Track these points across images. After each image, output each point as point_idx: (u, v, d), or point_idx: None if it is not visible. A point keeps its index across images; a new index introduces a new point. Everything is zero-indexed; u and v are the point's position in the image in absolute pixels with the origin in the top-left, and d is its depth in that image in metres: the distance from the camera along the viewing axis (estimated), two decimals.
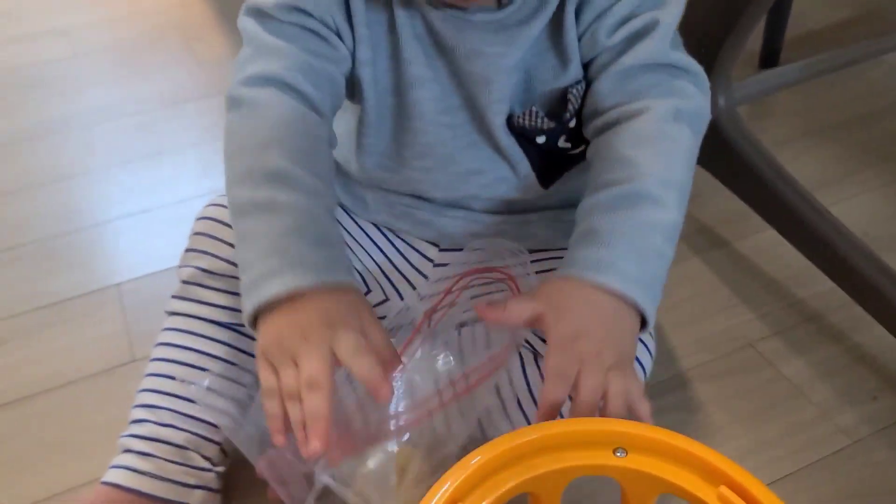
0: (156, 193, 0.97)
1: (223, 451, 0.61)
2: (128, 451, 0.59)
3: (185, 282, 0.62)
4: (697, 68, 0.56)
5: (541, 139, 0.58)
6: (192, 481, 0.59)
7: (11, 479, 0.66)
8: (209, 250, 0.61)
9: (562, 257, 0.56)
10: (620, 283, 0.48)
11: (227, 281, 0.60)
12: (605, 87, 0.55)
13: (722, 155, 0.81)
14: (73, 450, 0.68)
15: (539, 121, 0.57)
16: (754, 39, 1.15)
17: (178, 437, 0.59)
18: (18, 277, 0.86)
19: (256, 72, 0.53)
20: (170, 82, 1.18)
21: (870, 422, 0.68)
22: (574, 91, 0.56)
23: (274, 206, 0.49)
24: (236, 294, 0.57)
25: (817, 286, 0.78)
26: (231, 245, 0.60)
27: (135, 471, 0.58)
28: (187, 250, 0.62)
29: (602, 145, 0.55)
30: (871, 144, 1.00)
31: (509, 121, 0.57)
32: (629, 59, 0.54)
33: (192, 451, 0.59)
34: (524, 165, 0.60)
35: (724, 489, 0.41)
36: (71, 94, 1.16)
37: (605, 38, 0.54)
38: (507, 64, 0.55)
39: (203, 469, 0.59)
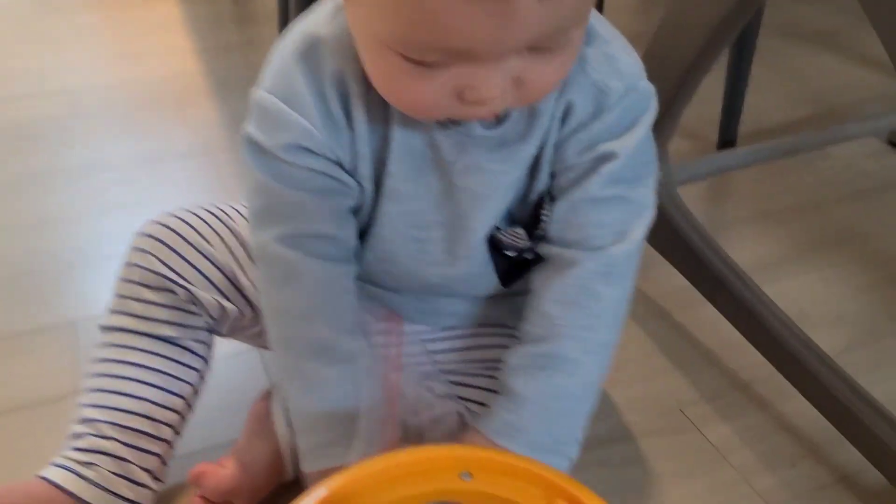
0: (127, 241, 1.01)
1: (163, 463, 0.64)
2: (69, 458, 0.61)
3: (120, 296, 0.65)
4: (648, 200, 0.57)
5: (511, 253, 0.60)
6: (129, 495, 0.61)
7: None
8: (144, 264, 0.64)
9: (504, 334, 0.62)
10: (529, 451, 0.53)
11: (162, 294, 0.63)
12: (555, 216, 0.57)
13: (661, 230, 0.86)
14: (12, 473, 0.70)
15: (520, 240, 0.59)
16: (711, 132, 1.23)
17: (119, 450, 0.61)
18: None
19: (285, 233, 0.55)
20: (158, 142, 1.24)
21: (788, 487, 0.70)
22: (545, 213, 0.57)
23: (319, 381, 0.56)
24: (172, 308, 0.63)
25: (748, 358, 0.81)
26: (165, 264, 0.63)
27: (78, 475, 0.60)
28: (125, 265, 0.65)
29: (534, 285, 0.58)
30: (816, 231, 1.04)
31: (490, 236, 0.58)
32: (581, 191, 0.55)
33: (133, 464, 0.61)
34: (490, 274, 0.61)
35: (559, 502, 0.43)
36: (61, 149, 1.22)
37: (574, 156, 0.55)
38: (506, 181, 0.55)
39: (141, 484, 0.62)
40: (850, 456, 0.71)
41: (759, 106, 1.26)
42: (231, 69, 1.49)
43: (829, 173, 1.16)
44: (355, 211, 0.58)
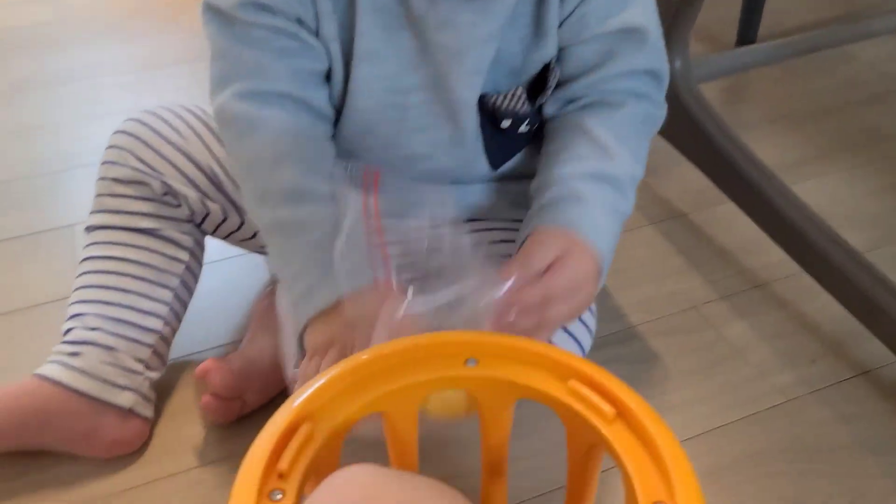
0: None
1: (157, 354, 0.62)
2: (59, 352, 0.60)
3: (98, 194, 0.63)
4: (667, 72, 0.58)
5: (506, 123, 0.56)
6: (121, 381, 0.59)
7: None
8: (118, 160, 0.62)
9: (502, 228, 0.59)
10: (603, 248, 0.51)
11: (136, 187, 0.62)
12: (585, 82, 0.56)
13: (681, 125, 0.82)
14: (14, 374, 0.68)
15: (519, 102, 0.55)
16: (730, 33, 1.17)
17: (106, 339, 0.59)
18: None
19: (242, 90, 0.52)
20: (152, 48, 1.19)
21: (807, 383, 0.68)
22: (553, 76, 0.55)
23: (297, 224, 0.51)
24: (147, 199, 0.61)
25: (767, 256, 0.79)
26: (138, 157, 0.62)
27: (65, 366, 0.58)
28: (101, 164, 0.63)
29: (576, 121, 0.55)
30: (837, 133, 1.00)
31: (481, 101, 0.54)
32: (613, 66, 0.55)
33: (122, 352, 0.60)
34: (478, 150, 0.57)
35: (572, 382, 0.41)
36: (50, 55, 1.17)
37: (596, 25, 0.53)
38: (481, 34, 0.51)
39: (134, 371, 0.60)
40: (871, 352, 0.69)
41: (779, 7, 1.20)
42: None
43: (851, 75, 1.11)
44: (327, 77, 0.54)
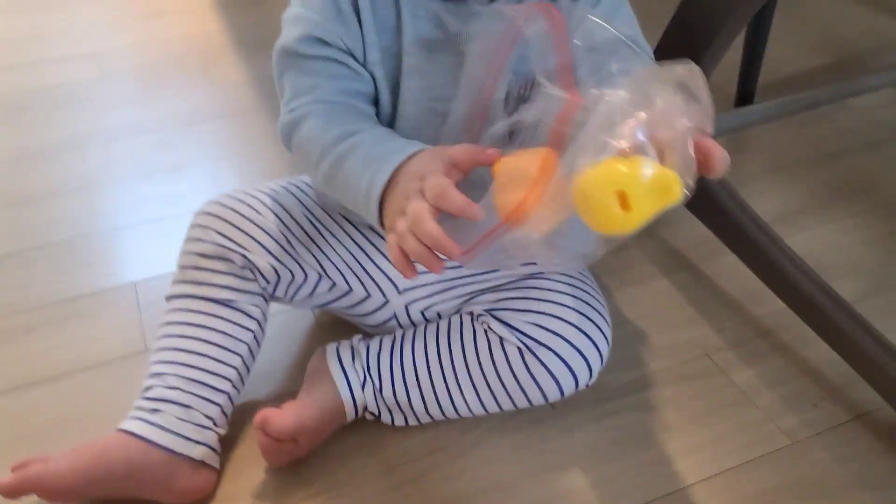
0: (172, 203, 1.05)
1: (224, 413, 0.70)
2: (140, 408, 0.67)
3: (182, 266, 0.72)
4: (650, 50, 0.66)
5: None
6: (196, 437, 0.67)
7: (33, 449, 0.73)
8: (203, 238, 0.71)
9: None
10: None
11: (220, 262, 0.70)
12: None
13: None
14: (91, 426, 0.75)
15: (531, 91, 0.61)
16: (730, 83, 1.25)
17: (183, 398, 0.67)
18: (43, 273, 0.94)
19: (297, 104, 0.64)
20: (188, 103, 1.27)
21: (810, 426, 0.75)
22: None
23: (352, 146, 0.60)
24: (229, 274, 0.70)
25: (771, 306, 0.86)
26: (222, 234, 0.70)
27: (147, 422, 0.66)
28: (186, 240, 0.72)
29: None
30: (833, 182, 1.07)
31: (506, 98, 0.62)
32: (602, 31, 0.60)
33: (196, 410, 0.68)
34: None
35: None
36: (96, 112, 1.24)
37: (598, 33, 0.59)
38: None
39: (205, 427, 0.68)
40: (865, 396, 0.76)
41: (777, 55, 1.27)
42: (250, 26, 1.50)
43: (846, 124, 1.19)
44: (374, 103, 0.65)
